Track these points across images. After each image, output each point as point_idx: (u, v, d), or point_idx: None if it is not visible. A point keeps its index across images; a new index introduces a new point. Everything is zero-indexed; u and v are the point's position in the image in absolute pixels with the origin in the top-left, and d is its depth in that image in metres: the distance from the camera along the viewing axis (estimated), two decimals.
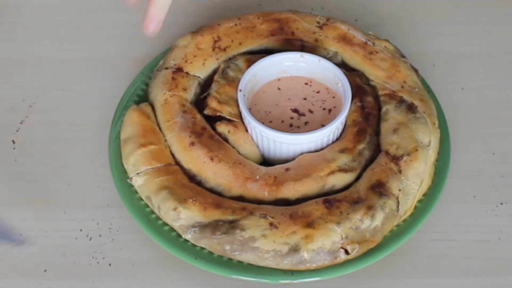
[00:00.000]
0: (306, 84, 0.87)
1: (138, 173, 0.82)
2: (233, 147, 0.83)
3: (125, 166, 0.83)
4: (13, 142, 0.90)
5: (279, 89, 0.87)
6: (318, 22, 0.92)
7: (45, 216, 0.84)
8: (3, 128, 0.91)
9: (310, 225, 0.77)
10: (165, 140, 0.84)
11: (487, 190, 0.86)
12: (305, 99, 0.86)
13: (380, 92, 0.87)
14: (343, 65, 0.90)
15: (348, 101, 0.83)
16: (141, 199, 0.82)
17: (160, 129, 0.85)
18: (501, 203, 0.85)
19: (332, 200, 0.79)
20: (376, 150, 0.84)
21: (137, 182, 0.82)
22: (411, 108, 0.85)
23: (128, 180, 0.82)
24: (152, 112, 0.86)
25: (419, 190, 0.81)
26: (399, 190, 0.80)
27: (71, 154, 0.89)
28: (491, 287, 0.80)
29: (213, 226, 0.78)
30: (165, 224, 0.80)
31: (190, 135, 0.83)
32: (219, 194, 0.81)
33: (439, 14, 1.02)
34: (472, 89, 0.95)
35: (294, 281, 0.77)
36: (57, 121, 0.92)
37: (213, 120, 0.85)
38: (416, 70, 0.90)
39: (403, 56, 0.91)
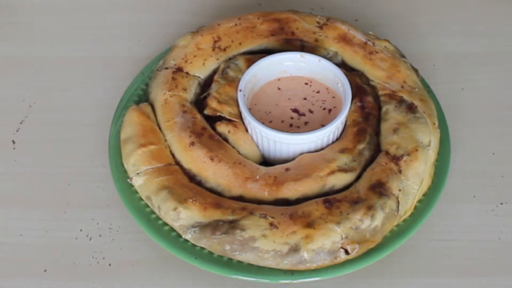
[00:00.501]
0: (306, 84, 0.87)
1: (138, 173, 0.82)
2: (233, 147, 0.83)
3: (125, 166, 0.83)
4: (13, 142, 0.90)
5: (279, 89, 0.87)
6: (318, 22, 0.92)
7: (45, 216, 0.84)
8: (3, 128, 0.91)
9: (310, 225, 0.77)
10: (165, 140, 0.84)
11: (487, 190, 0.86)
12: (305, 99, 0.86)
13: (380, 92, 0.87)
14: (343, 65, 0.90)
15: (348, 101, 0.83)
16: (141, 199, 0.82)
17: (160, 129, 0.85)
18: (501, 203, 0.85)
19: (332, 200, 0.79)
20: (376, 150, 0.83)
21: (137, 182, 0.82)
22: (411, 108, 0.85)
23: (128, 180, 0.82)
24: (152, 112, 0.86)
25: (419, 190, 0.81)
26: (399, 190, 0.80)
27: (71, 154, 0.89)
28: (491, 287, 0.80)
29: (213, 226, 0.78)
30: (165, 224, 0.80)
31: (190, 135, 0.83)
32: (219, 194, 0.81)
33: (439, 14, 1.02)
34: (472, 89, 0.95)
35: (294, 281, 0.77)
36: (57, 121, 0.92)
37: (213, 120, 0.85)
38: (416, 70, 0.90)
39: (403, 56, 0.91)
